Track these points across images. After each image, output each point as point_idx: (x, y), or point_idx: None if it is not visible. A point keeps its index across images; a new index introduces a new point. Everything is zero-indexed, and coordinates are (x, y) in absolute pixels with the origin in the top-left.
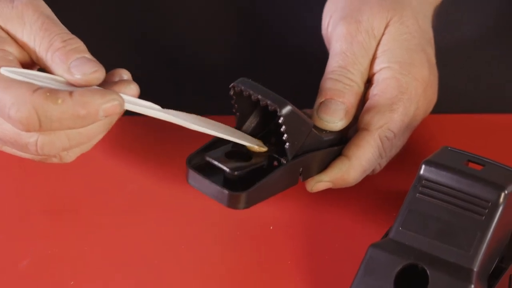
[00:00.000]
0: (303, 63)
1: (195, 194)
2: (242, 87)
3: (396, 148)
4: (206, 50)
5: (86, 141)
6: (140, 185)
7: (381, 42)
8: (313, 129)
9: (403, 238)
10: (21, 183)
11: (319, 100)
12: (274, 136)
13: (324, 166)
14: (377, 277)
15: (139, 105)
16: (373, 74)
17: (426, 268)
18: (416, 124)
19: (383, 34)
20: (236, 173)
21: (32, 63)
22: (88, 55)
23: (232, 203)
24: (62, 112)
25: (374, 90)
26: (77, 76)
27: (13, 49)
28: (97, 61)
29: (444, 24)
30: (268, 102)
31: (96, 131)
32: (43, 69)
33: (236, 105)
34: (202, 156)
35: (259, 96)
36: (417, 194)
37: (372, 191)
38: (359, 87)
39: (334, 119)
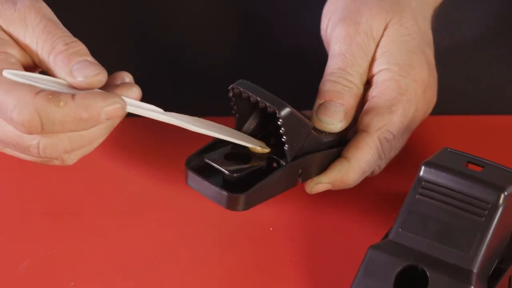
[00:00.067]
0: (302, 64)
1: (194, 195)
2: (241, 89)
3: (396, 149)
4: (206, 50)
5: (88, 144)
6: (140, 187)
7: (380, 44)
8: (312, 130)
9: (403, 239)
10: (21, 184)
11: (318, 101)
12: (273, 137)
13: (323, 168)
14: (377, 279)
15: (141, 108)
16: (372, 76)
17: (425, 269)
18: (415, 125)
19: (382, 36)
20: (235, 175)
21: (34, 65)
22: (90, 58)
23: (231, 205)
24: (64, 115)
25: (373, 92)
26: (79, 79)
27: (15, 52)
28: (99, 64)
29: (444, 25)
30: (267, 103)
31: (98, 133)
32: (45, 71)
33: (235, 107)
34: (201, 158)
35: (258, 98)
36: (417, 196)
37: (372, 192)
38: (358, 88)
39: (333, 121)
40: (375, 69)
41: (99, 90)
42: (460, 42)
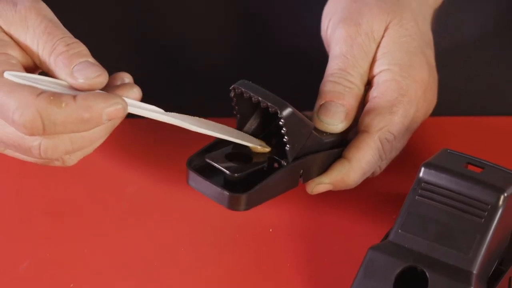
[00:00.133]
0: (302, 64)
1: (194, 196)
2: (243, 89)
3: (396, 150)
4: (206, 50)
5: (89, 144)
6: (140, 188)
7: (381, 45)
8: (313, 131)
9: (403, 240)
10: (21, 185)
11: (319, 102)
12: (274, 138)
13: (324, 168)
14: (377, 280)
15: (142, 108)
16: (373, 77)
17: (425, 270)
18: (416, 126)
19: (382, 37)
20: (236, 174)
21: (35, 67)
22: (91, 59)
23: (233, 205)
24: (66, 116)
25: (374, 93)
26: (80, 80)
27: (16, 53)
28: (100, 65)
29: (444, 25)
30: (269, 104)
31: (99, 134)
32: (46, 73)
33: (236, 107)
34: (202, 158)
35: (260, 98)
36: (417, 197)
37: (372, 193)
38: (359, 89)
39: (334, 121)
40: (376, 69)
41: (100, 91)
42: (460, 43)
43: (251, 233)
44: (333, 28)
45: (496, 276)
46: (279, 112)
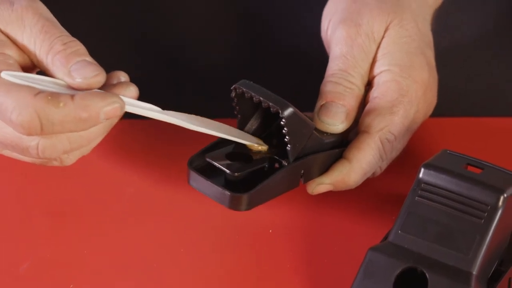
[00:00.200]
0: (302, 64)
1: (194, 197)
2: (244, 89)
3: (397, 150)
4: (206, 50)
5: (87, 144)
6: (140, 188)
7: (381, 45)
8: (314, 131)
9: (402, 241)
10: (21, 186)
11: (320, 102)
12: (275, 138)
13: (325, 169)
14: (376, 281)
15: (139, 107)
16: (373, 77)
17: (425, 271)
18: (416, 126)
19: (383, 37)
20: (236, 174)
21: (32, 66)
22: (88, 58)
23: (234, 205)
24: (63, 116)
25: (374, 93)
26: (78, 79)
27: (13, 53)
28: (98, 64)
29: (444, 25)
30: (270, 104)
31: (97, 133)
32: (44, 72)
33: (237, 107)
34: (203, 158)
35: (261, 98)
36: (416, 198)
37: (372, 194)
38: (359, 90)
39: (335, 122)
40: (376, 70)
41: (98, 90)
42: (460, 43)
43: (251, 234)
44: (333, 28)
45: (495, 277)
46: (280, 112)
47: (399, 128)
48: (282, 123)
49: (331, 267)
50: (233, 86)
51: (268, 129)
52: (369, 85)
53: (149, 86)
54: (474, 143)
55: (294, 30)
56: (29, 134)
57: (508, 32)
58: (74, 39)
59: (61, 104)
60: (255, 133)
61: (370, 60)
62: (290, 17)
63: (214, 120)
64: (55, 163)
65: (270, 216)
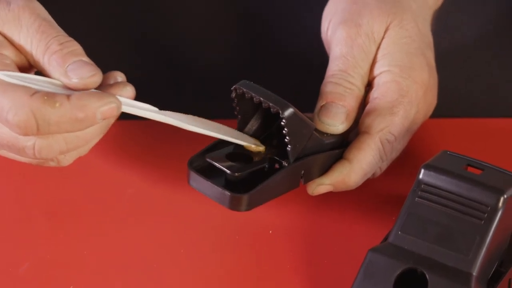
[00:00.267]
0: (302, 64)
1: (194, 198)
2: (244, 89)
3: (397, 151)
4: (206, 50)
5: (83, 144)
6: (140, 189)
7: (381, 46)
8: (314, 132)
9: (402, 242)
10: (20, 187)
11: (320, 103)
12: (275, 138)
13: (325, 169)
14: (377, 281)
15: (136, 107)
16: (373, 78)
17: (425, 272)
18: (416, 127)
19: (383, 38)
20: (236, 174)
21: (29, 66)
22: (85, 58)
23: (234, 205)
24: (60, 116)
25: (374, 94)
26: (74, 80)
27: (9, 53)
28: (94, 64)
29: (444, 25)
30: (271, 104)
31: (93, 134)
32: (40, 72)
33: (237, 108)
34: (203, 159)
35: (261, 98)
36: (416, 198)
37: (372, 194)
38: (359, 90)
39: (335, 122)
40: (376, 71)
41: (94, 90)
42: (460, 43)
43: (251, 234)
44: (333, 29)
45: (495, 278)
46: (281, 112)
47: (399, 129)
48: (282, 123)
49: (331, 268)
50: (234, 86)
51: (269, 129)
52: (369, 85)
53: (149, 86)
54: (474, 144)
55: (294, 30)
56: (25, 134)
57: (508, 32)
58: (71, 39)
59: (57, 104)
60: (255, 134)
61: (370, 60)
62: (290, 17)
63: (214, 120)
64: (52, 164)
65: (270, 217)
